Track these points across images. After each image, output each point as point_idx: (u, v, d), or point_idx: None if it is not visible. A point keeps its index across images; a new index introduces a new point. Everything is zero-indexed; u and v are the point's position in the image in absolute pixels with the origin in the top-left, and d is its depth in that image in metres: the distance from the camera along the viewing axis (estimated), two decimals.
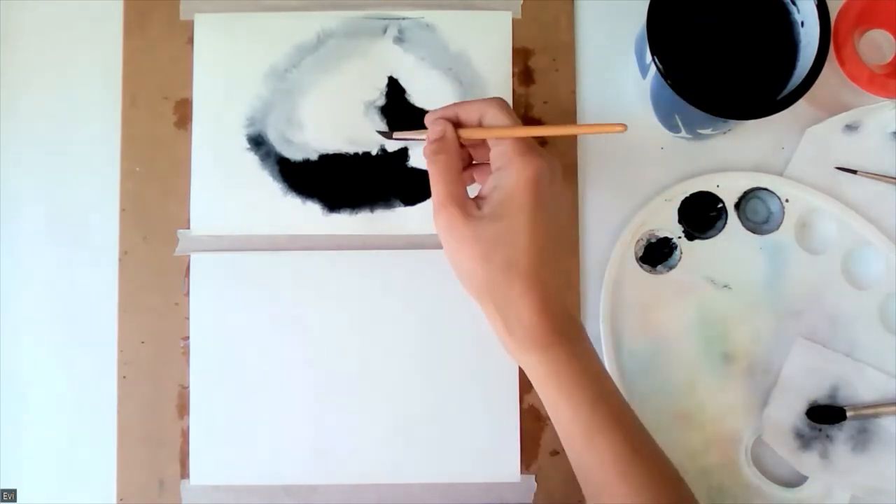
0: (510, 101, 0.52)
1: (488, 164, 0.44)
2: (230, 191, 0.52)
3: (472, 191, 0.44)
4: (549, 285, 0.41)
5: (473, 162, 0.47)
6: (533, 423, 0.51)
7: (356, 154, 0.52)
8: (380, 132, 0.51)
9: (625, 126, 0.39)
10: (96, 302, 0.51)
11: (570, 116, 0.52)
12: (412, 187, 0.52)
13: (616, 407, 0.41)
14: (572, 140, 0.52)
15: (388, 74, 0.52)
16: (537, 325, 0.40)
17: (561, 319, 0.41)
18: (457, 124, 0.44)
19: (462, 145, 0.44)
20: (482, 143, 0.45)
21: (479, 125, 0.44)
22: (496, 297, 0.41)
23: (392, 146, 0.52)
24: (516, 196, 0.41)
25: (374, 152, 0.52)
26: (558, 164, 0.43)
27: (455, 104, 0.45)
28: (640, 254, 0.52)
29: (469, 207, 0.42)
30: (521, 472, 0.50)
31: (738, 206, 0.52)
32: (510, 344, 0.41)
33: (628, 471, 0.40)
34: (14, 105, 0.53)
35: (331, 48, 0.52)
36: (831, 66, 0.51)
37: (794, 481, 0.50)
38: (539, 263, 0.41)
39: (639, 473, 0.40)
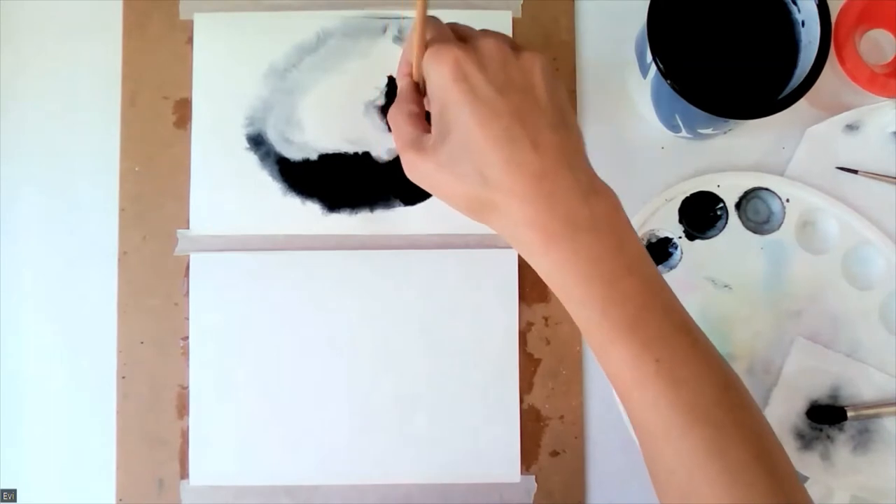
0: None
1: None
2: (230, 191, 0.52)
3: None
4: (539, 169, 0.35)
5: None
6: (533, 423, 0.51)
7: (356, 154, 0.52)
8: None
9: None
10: (96, 302, 0.51)
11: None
12: (412, 187, 0.51)
13: (640, 306, 0.36)
14: None
15: (388, 74, 0.52)
16: (532, 222, 0.35)
17: (564, 208, 0.35)
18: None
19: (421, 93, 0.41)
20: None
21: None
22: (487, 211, 0.37)
23: (393, 148, 0.52)
24: (448, 99, 0.36)
25: (374, 152, 0.52)
26: (492, 42, 0.38)
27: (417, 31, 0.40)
28: None
29: (422, 143, 0.38)
30: (521, 473, 0.50)
31: (738, 205, 0.52)
32: (521, 252, 0.37)
33: (646, 380, 0.35)
34: (14, 105, 0.53)
35: (331, 48, 0.52)
36: (832, 65, 0.51)
37: None
38: (510, 150, 0.35)
39: (657, 381, 0.35)
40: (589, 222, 0.36)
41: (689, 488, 0.35)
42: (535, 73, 0.38)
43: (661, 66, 0.44)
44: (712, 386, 0.35)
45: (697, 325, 0.37)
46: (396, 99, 0.41)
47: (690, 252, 0.51)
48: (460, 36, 0.39)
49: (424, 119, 0.40)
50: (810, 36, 0.45)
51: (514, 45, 0.39)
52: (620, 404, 0.41)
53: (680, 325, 0.36)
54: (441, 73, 0.37)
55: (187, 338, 0.51)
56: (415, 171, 0.39)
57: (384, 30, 0.52)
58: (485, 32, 0.39)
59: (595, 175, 0.38)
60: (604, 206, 0.36)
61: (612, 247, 0.36)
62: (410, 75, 0.40)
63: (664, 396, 0.35)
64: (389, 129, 0.50)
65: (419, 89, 0.41)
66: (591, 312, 0.36)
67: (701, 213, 0.52)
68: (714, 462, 0.34)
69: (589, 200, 0.36)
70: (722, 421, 0.35)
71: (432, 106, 0.38)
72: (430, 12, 0.52)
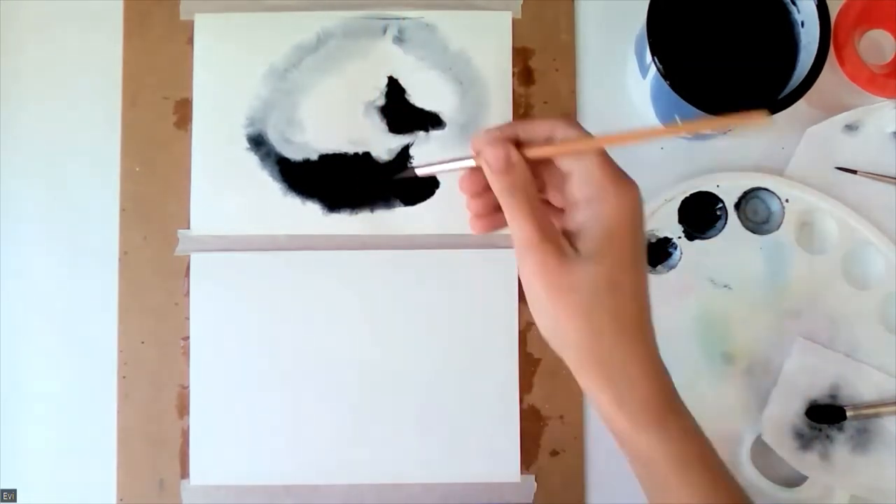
0: (510, 101, 0.52)
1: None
2: (230, 191, 0.52)
3: None
4: (654, 341, 0.34)
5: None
6: (533, 423, 0.51)
7: (356, 154, 0.52)
8: (399, 177, 0.48)
9: (769, 114, 0.33)
10: (96, 302, 0.51)
11: (570, 115, 0.52)
12: (412, 187, 0.52)
13: (735, 491, 0.35)
14: None
15: (388, 74, 0.52)
16: (655, 396, 0.33)
17: (668, 383, 0.34)
18: (517, 145, 0.35)
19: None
20: (549, 170, 0.36)
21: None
22: (604, 362, 0.33)
23: (393, 148, 0.52)
24: (618, 232, 0.33)
25: (374, 152, 0.52)
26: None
27: (514, 122, 0.38)
28: None
29: (564, 247, 0.34)
30: (521, 472, 0.50)
31: (738, 206, 0.52)
32: (621, 421, 0.33)
33: None
34: (14, 105, 0.53)
35: (331, 48, 0.52)
36: (831, 66, 0.51)
37: (794, 481, 0.50)
38: (643, 315, 0.33)
39: None
40: (679, 398, 0.34)
41: None
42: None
43: (660, 66, 0.44)
44: None
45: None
46: (514, 172, 0.34)
47: (690, 252, 0.52)
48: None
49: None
50: (810, 36, 0.45)
51: None
52: None
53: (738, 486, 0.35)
54: (629, 200, 0.33)
55: (187, 338, 0.51)
56: (543, 271, 0.33)
57: (384, 30, 0.52)
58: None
59: None
60: (673, 387, 0.35)
61: (695, 430, 0.34)
62: (517, 159, 0.35)
63: None
64: (392, 128, 0.50)
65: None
66: (701, 490, 0.34)
67: (700, 213, 0.52)
68: None
69: (672, 385, 0.34)
70: None
71: (578, 214, 0.34)
72: (430, 12, 0.52)
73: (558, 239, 0.34)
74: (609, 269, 0.33)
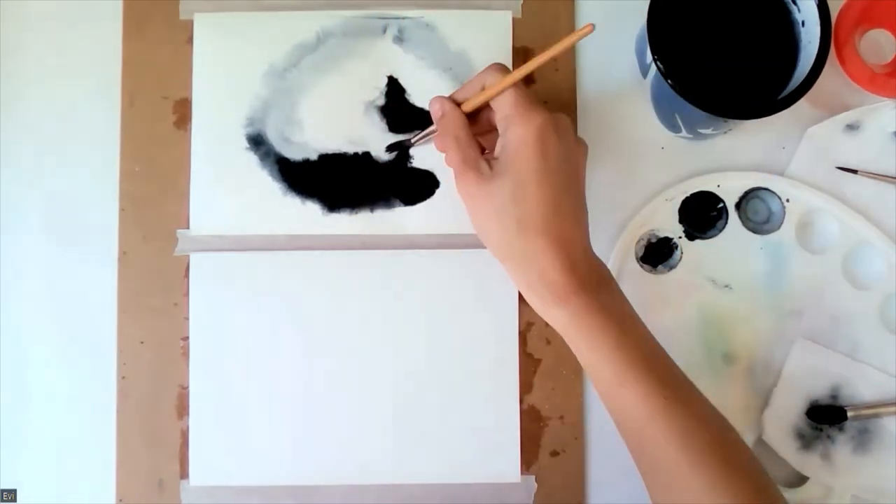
0: None
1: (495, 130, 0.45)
2: (230, 191, 0.52)
3: None
4: (568, 237, 0.41)
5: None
6: (533, 423, 0.51)
7: (356, 154, 0.52)
8: (393, 145, 0.51)
9: (592, 26, 0.41)
10: (96, 302, 0.51)
11: (570, 116, 0.52)
12: (412, 187, 0.52)
13: (646, 353, 0.41)
14: None
15: (388, 74, 0.52)
16: (557, 280, 0.41)
17: (583, 270, 0.41)
18: (460, 104, 0.46)
19: (471, 119, 0.46)
20: (489, 111, 0.45)
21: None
22: (515, 255, 0.42)
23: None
24: (521, 151, 0.41)
25: (374, 152, 0.52)
26: (565, 119, 0.43)
27: (464, 85, 0.46)
28: (641, 254, 0.52)
29: (482, 168, 0.43)
30: (521, 473, 0.50)
31: (738, 205, 0.52)
32: (534, 300, 0.42)
33: (657, 415, 0.39)
34: (13, 104, 0.53)
35: (330, 48, 0.52)
36: (832, 65, 0.51)
37: (795, 481, 0.50)
38: (554, 216, 0.41)
39: (668, 416, 0.39)
40: (597, 283, 0.42)
41: None
42: (581, 154, 0.45)
43: (660, 66, 0.44)
44: (715, 425, 0.41)
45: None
46: (445, 118, 0.45)
47: (690, 252, 0.51)
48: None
49: (479, 145, 0.45)
50: (810, 36, 0.45)
51: None
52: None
53: (676, 370, 0.42)
54: (528, 128, 0.42)
55: (187, 338, 0.51)
56: (465, 188, 0.43)
57: (384, 30, 0.52)
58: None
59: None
60: (605, 271, 0.43)
61: (618, 303, 0.42)
62: (448, 109, 0.45)
63: (674, 432, 0.39)
64: (392, 128, 0.51)
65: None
66: (603, 355, 0.40)
67: (701, 213, 0.52)
68: (722, 497, 0.38)
69: (596, 266, 0.43)
70: (726, 458, 0.39)
71: (499, 146, 0.43)
72: (430, 11, 0.52)
73: (477, 164, 0.43)
74: (513, 183, 0.41)
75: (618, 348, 0.40)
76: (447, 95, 0.46)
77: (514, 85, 0.43)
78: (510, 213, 0.41)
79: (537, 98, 0.44)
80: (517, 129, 0.42)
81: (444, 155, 0.46)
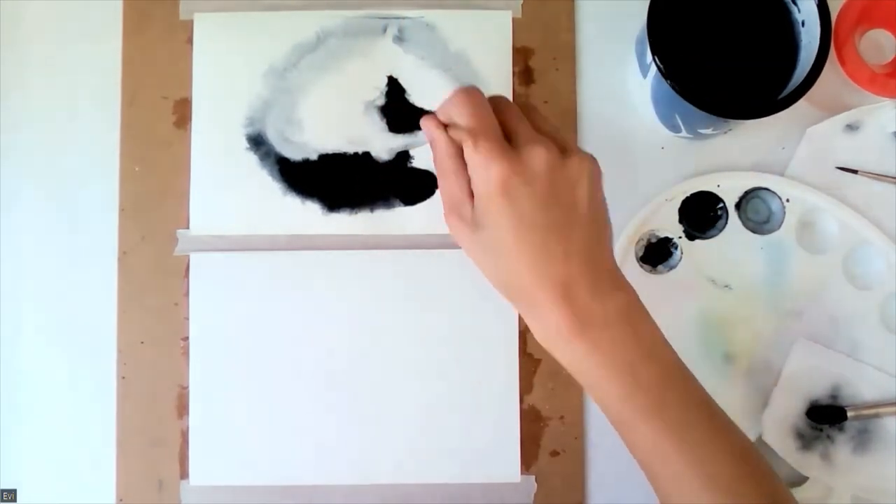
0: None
1: None
2: (230, 191, 0.52)
3: None
4: (563, 281, 0.38)
5: None
6: (533, 423, 0.51)
7: (356, 154, 0.52)
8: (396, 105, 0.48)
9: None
10: (96, 302, 0.51)
11: (570, 116, 0.52)
12: (412, 187, 0.52)
13: (658, 394, 0.38)
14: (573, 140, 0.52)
15: (388, 74, 0.52)
16: (559, 321, 0.38)
17: (586, 310, 0.38)
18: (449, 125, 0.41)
19: None
20: None
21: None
22: (517, 296, 0.40)
23: (393, 148, 0.52)
24: (490, 209, 0.38)
25: (374, 152, 0.52)
26: (540, 154, 0.38)
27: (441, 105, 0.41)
28: (641, 254, 0.52)
29: (464, 213, 0.39)
30: (521, 473, 0.50)
31: (738, 205, 0.52)
32: (541, 339, 0.39)
33: (671, 457, 0.38)
34: (13, 104, 0.53)
35: (330, 47, 0.52)
36: (832, 65, 0.51)
37: (795, 482, 0.50)
38: (544, 263, 0.38)
39: (686, 454, 0.37)
40: (604, 319, 0.38)
41: None
42: (582, 183, 0.39)
43: (660, 66, 0.44)
44: (732, 457, 0.38)
45: (711, 398, 0.39)
46: (435, 147, 0.40)
47: (690, 252, 0.51)
48: (508, 129, 0.40)
49: (469, 183, 0.40)
50: (810, 36, 0.45)
51: (563, 146, 0.39)
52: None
53: (699, 403, 0.39)
54: (487, 180, 0.38)
55: (187, 338, 0.51)
56: (456, 236, 0.40)
57: (384, 30, 0.52)
58: (534, 138, 0.39)
59: (615, 270, 0.40)
60: (617, 303, 0.39)
61: (627, 338, 0.38)
62: (440, 123, 0.40)
63: (687, 472, 0.37)
64: (392, 128, 0.50)
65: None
66: (612, 400, 0.38)
67: (701, 213, 0.52)
68: None
69: (606, 298, 0.38)
70: (741, 491, 0.38)
71: (474, 192, 0.39)
72: (430, 11, 0.52)
73: (461, 208, 0.39)
74: (491, 237, 0.38)
75: (620, 394, 0.38)
76: (439, 111, 0.41)
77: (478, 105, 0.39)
78: (496, 266, 0.39)
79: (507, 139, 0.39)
80: (478, 185, 0.38)
81: None
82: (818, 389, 0.50)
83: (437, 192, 0.51)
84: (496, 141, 0.38)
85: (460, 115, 0.39)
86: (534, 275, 0.38)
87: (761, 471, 0.39)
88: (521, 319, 0.51)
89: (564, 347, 0.38)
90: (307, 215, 0.51)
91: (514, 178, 0.38)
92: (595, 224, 0.40)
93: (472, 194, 0.39)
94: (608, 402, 0.39)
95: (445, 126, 0.40)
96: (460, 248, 0.41)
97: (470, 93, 0.39)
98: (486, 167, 0.38)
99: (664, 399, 0.38)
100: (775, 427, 0.50)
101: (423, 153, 0.52)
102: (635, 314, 0.39)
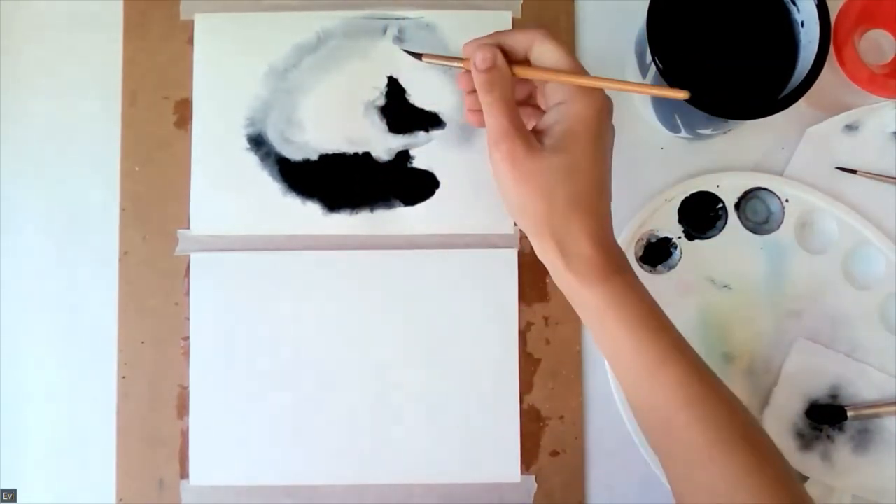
0: None
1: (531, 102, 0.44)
2: (230, 191, 0.52)
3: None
4: (607, 219, 0.41)
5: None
6: (533, 423, 0.51)
7: (356, 154, 0.52)
8: (407, 51, 0.46)
9: (688, 93, 0.39)
10: (96, 302, 0.51)
11: None
12: (412, 187, 0.52)
13: (677, 338, 0.41)
14: None
15: (388, 74, 0.52)
16: (597, 258, 0.40)
17: (616, 252, 0.41)
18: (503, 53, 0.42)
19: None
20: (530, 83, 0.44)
21: (527, 58, 0.42)
22: (557, 230, 0.40)
23: (393, 148, 0.52)
24: (581, 130, 0.40)
25: (374, 152, 0.52)
26: (611, 101, 0.42)
27: (498, 33, 0.42)
28: (641, 254, 0.52)
29: (531, 139, 0.40)
30: (521, 473, 0.50)
31: (738, 205, 0.52)
32: (569, 277, 0.40)
33: (694, 400, 0.39)
34: (14, 104, 0.53)
35: (331, 48, 0.52)
36: (831, 66, 0.51)
37: None
38: (598, 197, 0.40)
39: (704, 401, 0.39)
40: (627, 266, 0.41)
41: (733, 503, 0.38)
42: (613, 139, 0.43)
43: (660, 66, 0.44)
44: (742, 413, 0.40)
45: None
46: (495, 72, 0.41)
47: (690, 252, 0.52)
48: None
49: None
50: (810, 36, 0.45)
51: None
52: (633, 432, 0.47)
53: (700, 357, 0.41)
54: (590, 109, 0.40)
55: (187, 338, 0.51)
56: (512, 159, 0.40)
57: (384, 30, 0.52)
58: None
59: None
60: (623, 256, 0.42)
61: (639, 285, 0.41)
62: (501, 63, 0.41)
63: (710, 416, 0.39)
64: (392, 128, 0.50)
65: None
66: (641, 339, 0.40)
67: (700, 213, 0.52)
68: (755, 478, 0.38)
69: (622, 251, 0.42)
70: (756, 441, 0.39)
71: (550, 120, 0.41)
72: (430, 12, 0.52)
73: (526, 132, 0.40)
74: (568, 160, 0.39)
75: (658, 329, 0.40)
76: (489, 37, 0.42)
77: (571, 55, 0.41)
78: (561, 191, 0.39)
79: None
80: (578, 107, 0.40)
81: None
82: (818, 389, 0.50)
83: (437, 192, 0.52)
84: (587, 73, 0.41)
85: (552, 49, 0.41)
86: (593, 200, 0.40)
87: (759, 423, 0.41)
88: (521, 319, 0.51)
89: (598, 285, 0.40)
90: (307, 215, 0.51)
91: (606, 110, 0.41)
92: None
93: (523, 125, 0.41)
94: (633, 344, 0.40)
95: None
96: (505, 179, 0.40)
97: (546, 31, 0.41)
98: (591, 93, 0.40)
99: (684, 342, 0.40)
100: (775, 427, 0.50)
101: (423, 153, 0.52)
102: (633, 271, 0.42)
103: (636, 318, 0.40)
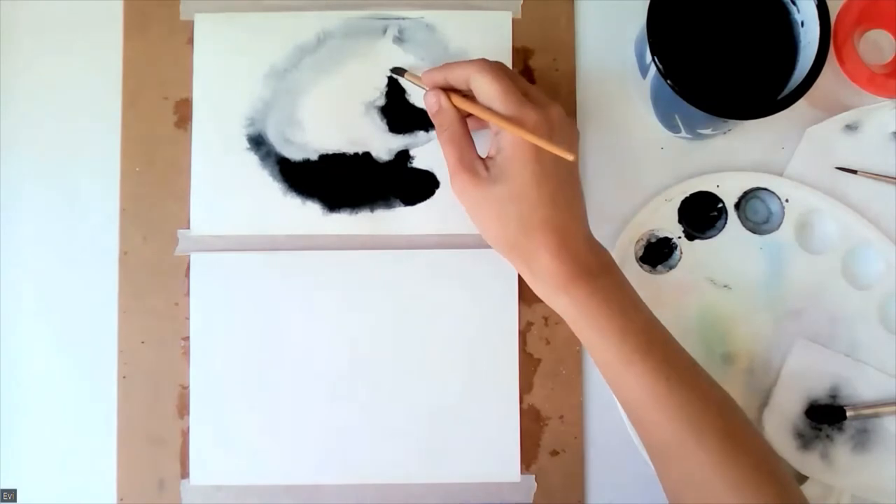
0: None
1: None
2: (230, 191, 0.52)
3: (481, 148, 0.46)
4: (566, 229, 0.43)
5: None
6: (533, 423, 0.51)
7: (356, 154, 0.52)
8: (393, 69, 0.51)
9: (574, 156, 0.41)
10: (96, 302, 0.51)
11: (569, 116, 0.52)
12: (412, 187, 0.52)
13: (648, 336, 0.42)
14: None
15: (388, 74, 0.52)
16: (559, 268, 0.42)
17: (583, 258, 0.43)
18: (448, 88, 0.46)
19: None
20: None
21: (468, 90, 0.45)
22: (519, 251, 0.43)
23: (393, 148, 0.52)
24: (518, 155, 0.43)
25: (374, 152, 0.52)
26: (557, 111, 0.44)
27: (447, 65, 0.46)
28: (640, 254, 0.52)
29: (479, 170, 0.44)
30: (521, 472, 0.50)
31: (738, 206, 0.52)
32: (538, 289, 0.43)
33: (661, 399, 0.41)
34: (14, 105, 0.53)
35: (331, 48, 0.52)
36: (831, 66, 0.51)
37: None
38: (552, 212, 0.43)
39: (669, 398, 0.41)
40: (598, 268, 0.43)
41: (708, 493, 0.40)
42: (577, 143, 0.46)
43: (660, 66, 0.44)
44: (715, 401, 0.42)
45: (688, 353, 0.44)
46: (442, 115, 0.46)
47: (690, 252, 0.52)
48: (523, 91, 0.45)
49: (474, 145, 0.46)
50: (810, 36, 0.45)
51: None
52: (630, 427, 0.48)
53: (679, 351, 0.43)
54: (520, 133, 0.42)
55: (188, 338, 0.51)
56: (464, 191, 0.44)
57: (384, 30, 0.52)
58: (546, 98, 0.46)
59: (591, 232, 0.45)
60: (606, 256, 0.44)
61: (619, 287, 0.43)
62: (449, 90, 0.46)
63: (678, 412, 0.41)
64: (392, 128, 0.50)
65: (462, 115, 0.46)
66: (610, 340, 0.42)
67: (700, 213, 0.52)
68: (727, 469, 0.40)
69: (597, 252, 0.44)
70: (727, 431, 0.41)
71: (493, 147, 0.44)
72: (430, 12, 0.52)
73: (473, 165, 0.44)
74: (510, 186, 0.43)
75: (620, 331, 0.41)
76: (434, 73, 0.46)
77: (502, 85, 0.43)
78: (510, 214, 0.43)
79: (528, 97, 0.44)
80: (505, 140, 0.43)
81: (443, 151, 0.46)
82: (817, 389, 0.50)
83: (437, 192, 0.52)
84: (522, 99, 0.43)
85: (485, 82, 0.43)
86: (542, 223, 0.42)
87: (739, 414, 0.42)
88: (521, 319, 0.51)
89: (563, 294, 0.42)
90: (307, 215, 0.52)
91: (542, 129, 0.43)
92: (579, 182, 0.46)
93: (477, 154, 0.45)
94: (604, 346, 0.42)
95: (447, 94, 0.46)
96: (465, 207, 0.45)
97: (487, 61, 0.45)
98: (520, 119, 0.42)
99: (653, 342, 0.42)
100: (775, 427, 0.50)
101: (423, 153, 0.52)
102: (617, 269, 0.44)
103: (603, 321, 0.42)
